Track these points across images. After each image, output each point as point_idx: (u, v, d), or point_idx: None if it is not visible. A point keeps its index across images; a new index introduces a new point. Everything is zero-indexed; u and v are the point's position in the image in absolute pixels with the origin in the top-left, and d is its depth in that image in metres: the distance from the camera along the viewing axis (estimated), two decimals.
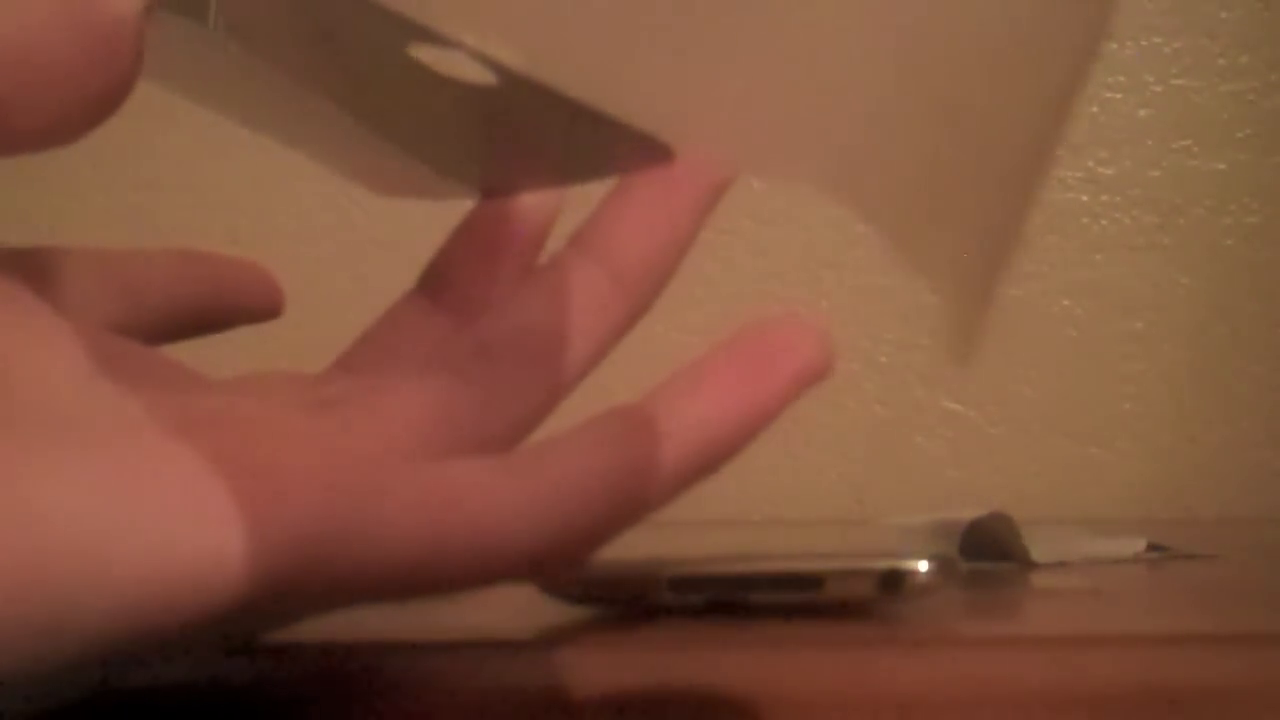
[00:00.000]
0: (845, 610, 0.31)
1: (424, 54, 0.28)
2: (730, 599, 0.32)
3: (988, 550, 0.44)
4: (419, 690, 0.25)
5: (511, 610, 0.33)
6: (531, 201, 0.33)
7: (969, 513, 0.44)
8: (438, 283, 0.33)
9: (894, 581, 0.31)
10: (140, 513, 0.20)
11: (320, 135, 0.31)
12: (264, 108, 0.30)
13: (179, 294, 0.32)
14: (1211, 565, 0.45)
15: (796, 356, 0.26)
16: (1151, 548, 0.47)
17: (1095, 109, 0.77)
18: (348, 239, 0.76)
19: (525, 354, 0.29)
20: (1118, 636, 0.29)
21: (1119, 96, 0.77)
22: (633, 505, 0.25)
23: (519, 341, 0.29)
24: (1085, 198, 0.77)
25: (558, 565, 0.25)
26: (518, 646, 0.29)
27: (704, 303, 0.73)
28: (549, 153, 0.31)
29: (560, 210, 0.33)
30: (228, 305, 0.33)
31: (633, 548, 0.33)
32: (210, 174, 0.78)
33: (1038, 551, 0.44)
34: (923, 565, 0.31)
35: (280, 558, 0.21)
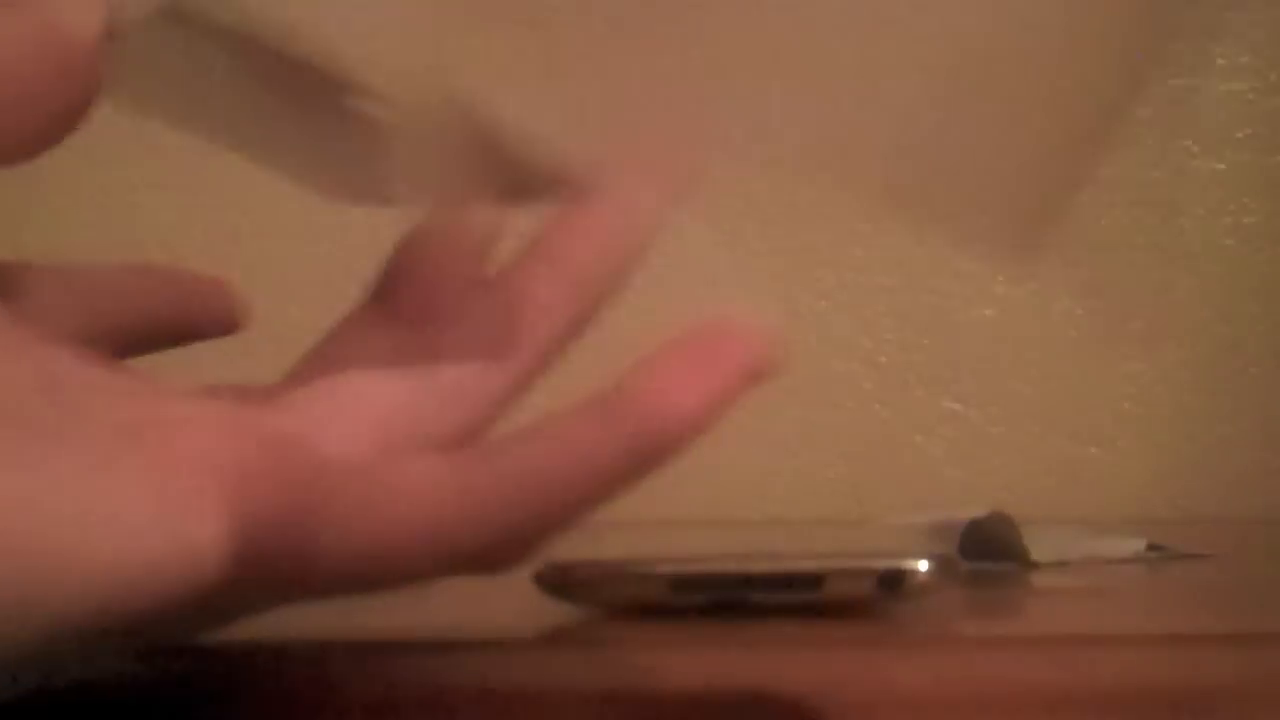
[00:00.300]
0: (845, 610, 0.31)
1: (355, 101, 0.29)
2: (730, 599, 0.32)
3: (988, 550, 0.44)
4: (418, 690, 0.25)
5: (511, 610, 0.33)
6: (478, 212, 0.33)
7: (969, 513, 0.44)
8: (387, 293, 0.33)
9: (894, 581, 0.31)
10: (104, 503, 0.20)
11: (287, 146, 0.31)
12: (237, 126, 0.30)
13: (141, 308, 0.33)
14: (1211, 565, 0.45)
15: (744, 354, 0.27)
16: (1151, 548, 0.47)
17: None
18: (347, 239, 0.76)
19: (479, 356, 0.30)
20: (1118, 636, 0.29)
21: None
22: (582, 502, 0.25)
23: (473, 344, 0.30)
24: (1085, 197, 0.77)
25: (510, 560, 0.25)
26: (518, 646, 0.29)
27: (704, 303, 0.73)
28: (481, 181, 0.32)
29: (507, 220, 0.34)
30: (190, 320, 0.34)
31: (633, 548, 0.33)
32: (210, 174, 0.78)
33: (1038, 551, 0.44)
34: (923, 565, 0.31)
35: (237, 550, 0.22)
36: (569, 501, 0.25)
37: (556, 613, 0.32)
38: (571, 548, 0.32)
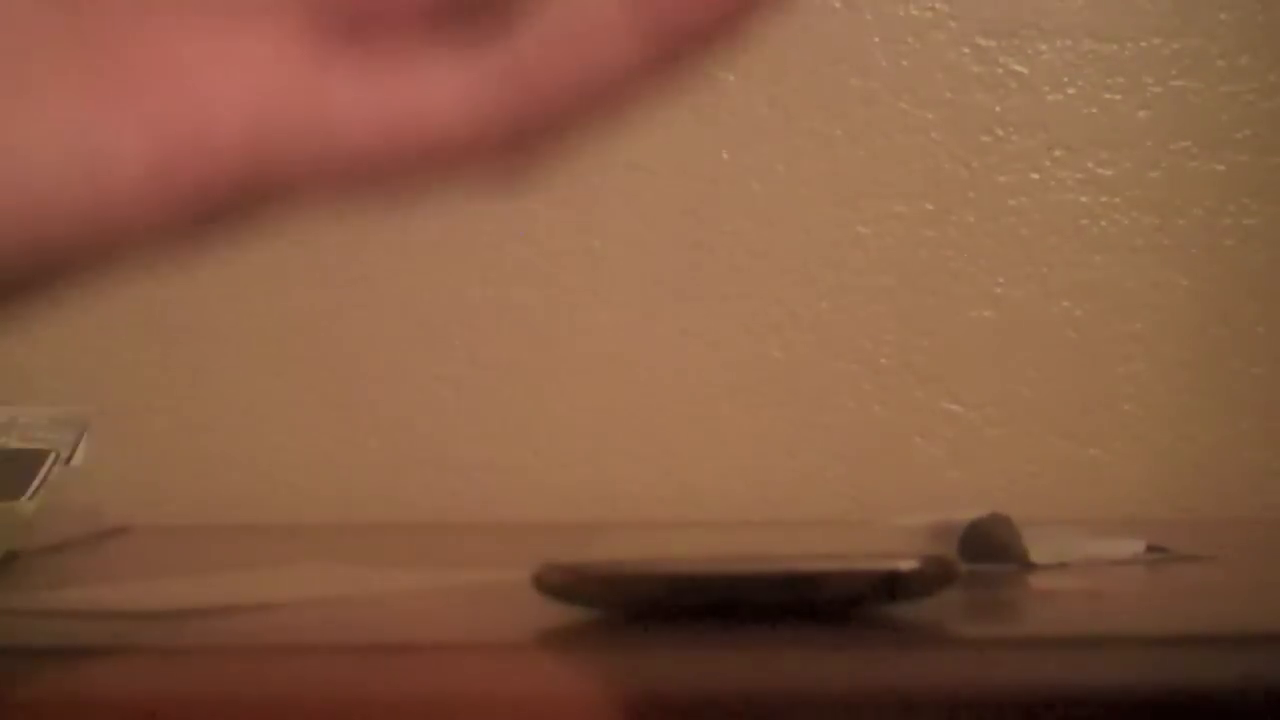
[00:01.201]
0: (844, 610, 0.32)
1: None
2: (730, 599, 0.32)
3: (987, 551, 0.44)
4: (419, 691, 0.25)
5: (511, 610, 0.33)
6: None
7: (969, 513, 0.45)
8: None
9: (892, 582, 0.31)
10: (51, 118, 0.20)
11: None
12: None
13: None
14: (1211, 566, 0.45)
15: None
16: (1151, 549, 0.47)
17: (1095, 110, 0.77)
18: (348, 237, 0.76)
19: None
20: (1118, 636, 0.29)
21: (1119, 97, 0.77)
22: (593, 97, 0.24)
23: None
24: (1085, 198, 0.77)
25: (511, 154, 0.24)
26: (517, 646, 0.29)
27: (705, 303, 0.73)
28: None
29: None
30: None
31: (633, 549, 0.33)
32: None
33: (1038, 552, 0.44)
34: (921, 566, 0.31)
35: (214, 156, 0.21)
36: (588, 94, 0.24)
37: (556, 613, 0.32)
38: (571, 550, 0.32)
